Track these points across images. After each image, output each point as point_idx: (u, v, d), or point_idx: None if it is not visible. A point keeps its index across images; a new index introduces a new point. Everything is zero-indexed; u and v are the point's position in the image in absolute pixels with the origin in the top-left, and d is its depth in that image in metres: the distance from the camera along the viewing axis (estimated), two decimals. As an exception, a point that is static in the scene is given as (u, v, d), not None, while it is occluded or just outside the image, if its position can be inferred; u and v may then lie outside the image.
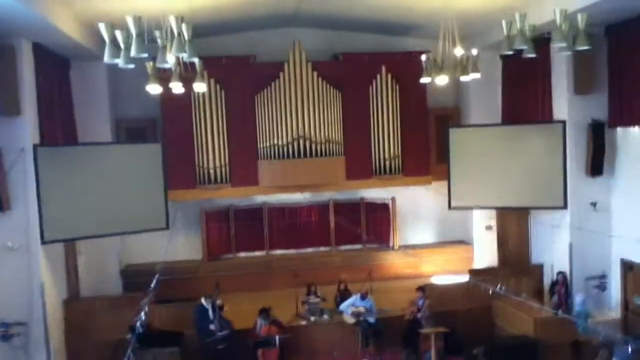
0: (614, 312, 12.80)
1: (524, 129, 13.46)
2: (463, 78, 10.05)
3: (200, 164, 14.29)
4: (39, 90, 11.44)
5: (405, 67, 14.48)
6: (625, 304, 12.54)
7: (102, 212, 12.06)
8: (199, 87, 10.12)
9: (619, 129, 12.49)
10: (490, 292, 8.80)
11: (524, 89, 13.62)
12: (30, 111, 11.16)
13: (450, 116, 15.59)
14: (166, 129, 14.22)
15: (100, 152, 12.47)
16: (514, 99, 13.85)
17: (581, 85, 12.38)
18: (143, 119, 14.49)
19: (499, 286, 8.52)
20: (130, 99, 14.23)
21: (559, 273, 12.78)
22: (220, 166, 14.35)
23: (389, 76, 14.84)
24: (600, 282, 12.93)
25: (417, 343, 11.47)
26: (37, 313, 11.21)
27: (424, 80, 10.49)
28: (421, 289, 11.87)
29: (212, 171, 14.29)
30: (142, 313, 6.95)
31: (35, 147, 11.10)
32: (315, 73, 14.41)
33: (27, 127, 11.03)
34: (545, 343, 10.88)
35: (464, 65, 9.72)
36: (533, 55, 8.24)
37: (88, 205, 11.89)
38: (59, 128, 12.05)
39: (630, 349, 9.39)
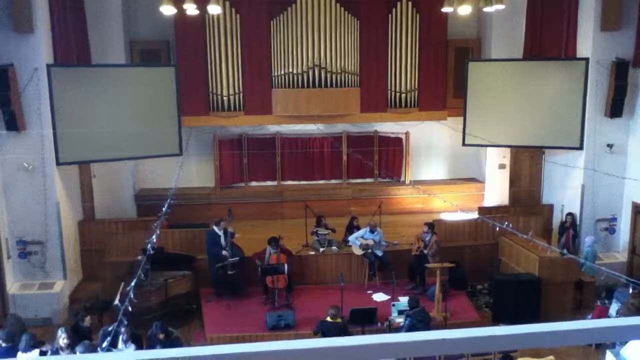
0: (621, 255, 12.89)
1: (546, 65, 13.10)
2: (486, 8, 9.70)
3: (214, 91, 14.16)
4: (51, 7, 11.23)
5: (427, -5, 14.01)
6: (633, 248, 12.59)
7: (116, 135, 12.10)
8: (214, 9, 9.88)
9: (644, 69, 12.12)
10: (497, 229, 8.80)
11: (548, 23, 13.15)
12: (43, 29, 11.00)
13: (470, 48, 15.15)
14: (179, 52, 14.01)
15: (114, 74, 12.38)
16: (538, 33, 13.39)
17: (608, 21, 11.92)
18: (157, 40, 14.24)
19: (506, 224, 8.52)
20: (144, 20, 13.99)
21: (568, 214, 12.80)
22: (234, 93, 14.21)
23: (410, 4, 14.35)
24: (610, 225, 12.96)
25: (423, 277, 11.68)
26: (53, 233, 11.52)
27: (446, 9, 10.15)
28: (429, 224, 11.95)
29: (225, 98, 14.18)
30: (154, 235, 7.08)
31: (49, 66, 11.02)
32: (333, -1, 13.99)
33: (40, 45, 10.92)
34: (549, 281, 11.02)
35: (488, -4, 9.35)
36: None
37: (102, 128, 11.90)
38: (72, 48, 11.91)
39: (630, 291, 9.51)
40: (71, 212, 12.44)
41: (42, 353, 7.84)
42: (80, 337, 8.45)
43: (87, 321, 9.12)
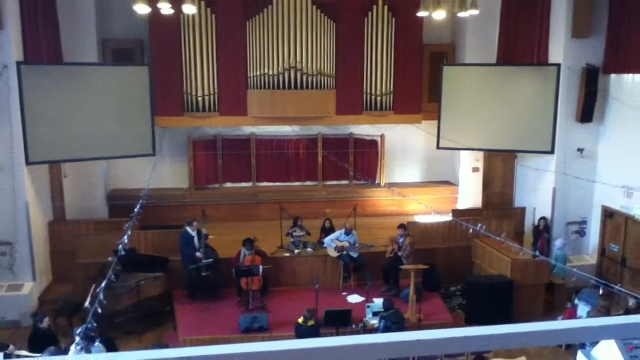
0: (591, 257, 13.14)
1: (518, 70, 13.33)
2: (461, 14, 9.82)
3: (188, 91, 14.02)
4: (22, 3, 11.00)
5: None
6: (602, 250, 12.85)
7: (88, 135, 11.91)
8: (188, 8, 9.78)
9: (613, 76, 12.40)
10: (471, 231, 8.89)
11: (521, 29, 13.36)
12: (13, 25, 10.77)
13: (445, 53, 15.31)
14: (153, 52, 13.84)
15: (86, 73, 12.17)
16: (511, 38, 13.61)
17: (579, 28, 12.17)
18: (130, 40, 14.04)
19: (479, 226, 8.62)
20: (117, 18, 13.79)
21: (541, 218, 12.96)
22: (209, 94, 14.10)
23: (386, 8, 14.43)
24: (580, 228, 13.20)
25: (397, 279, 11.74)
26: (22, 233, 11.27)
27: (421, 13, 10.24)
28: (402, 226, 12.01)
29: (200, 99, 14.05)
30: (125, 236, 6.97)
31: (18, 64, 10.79)
32: (309, 0, 13.97)
33: (9, 42, 10.70)
34: (521, 283, 11.18)
35: (462, 0, 9.46)
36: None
37: (73, 127, 11.72)
38: (43, 45, 11.67)
39: (599, 293, 9.68)
40: (41, 212, 12.18)
41: (7, 356, 7.65)
42: (42, 341, 8.22)
43: (46, 322, 8.92)
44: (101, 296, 5.20)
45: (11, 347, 8.15)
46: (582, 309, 9.99)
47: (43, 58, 11.64)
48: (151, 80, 12.65)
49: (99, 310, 4.98)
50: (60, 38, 12.49)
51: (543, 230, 12.84)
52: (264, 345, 1.59)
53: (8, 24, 10.59)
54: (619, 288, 8.00)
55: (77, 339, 5.20)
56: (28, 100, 10.97)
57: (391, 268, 11.72)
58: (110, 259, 8.97)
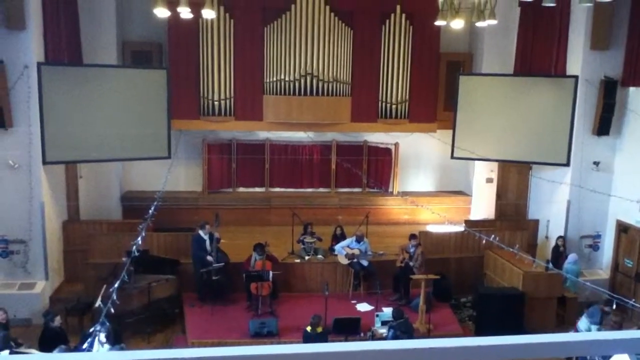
0: (604, 272, 12.97)
1: (536, 81, 13.25)
2: (479, 23, 9.80)
3: (205, 95, 14.12)
4: (44, 4, 11.18)
5: (421, 8, 14.09)
6: (616, 265, 12.69)
7: (104, 136, 12.03)
8: (208, 13, 9.84)
9: (632, 89, 12.27)
10: (484, 242, 8.84)
11: (539, 40, 13.30)
12: (35, 26, 10.94)
13: (461, 62, 15.27)
14: (172, 55, 13.97)
15: (105, 74, 12.30)
16: (528, 49, 13.55)
17: (598, 40, 12.07)
18: (149, 42, 14.20)
19: (492, 237, 8.56)
20: (137, 21, 13.95)
21: (560, 238, 12.71)
22: (225, 98, 14.19)
23: (403, 16, 14.44)
24: (594, 242, 13.04)
25: (407, 288, 11.67)
26: (36, 232, 11.37)
27: (439, 22, 10.23)
28: (414, 236, 11.95)
29: (216, 103, 14.15)
30: (139, 238, 7.02)
31: (39, 64, 10.94)
32: (327, 8, 14.03)
33: (31, 42, 10.84)
34: (533, 296, 11.06)
35: (481, 10, 9.44)
36: (553, 4, 7.98)
37: (90, 128, 11.85)
38: (64, 46, 11.84)
39: (612, 307, 9.53)
40: (56, 211, 12.30)
41: (14, 353, 7.71)
42: (52, 340, 8.28)
43: (57, 321, 8.99)
44: (114, 296, 5.23)
45: (24, 346, 8.22)
46: (583, 322, 9.80)
47: (63, 58, 11.81)
48: (169, 83, 12.76)
49: (112, 311, 5.02)
50: (80, 39, 12.67)
51: (564, 251, 12.56)
52: (271, 349, 1.59)
53: (30, 24, 10.75)
54: (633, 303, 7.89)
55: (104, 338, 5.22)
56: (47, 100, 11.11)
57: (402, 277, 11.66)
58: (124, 259, 9.05)
